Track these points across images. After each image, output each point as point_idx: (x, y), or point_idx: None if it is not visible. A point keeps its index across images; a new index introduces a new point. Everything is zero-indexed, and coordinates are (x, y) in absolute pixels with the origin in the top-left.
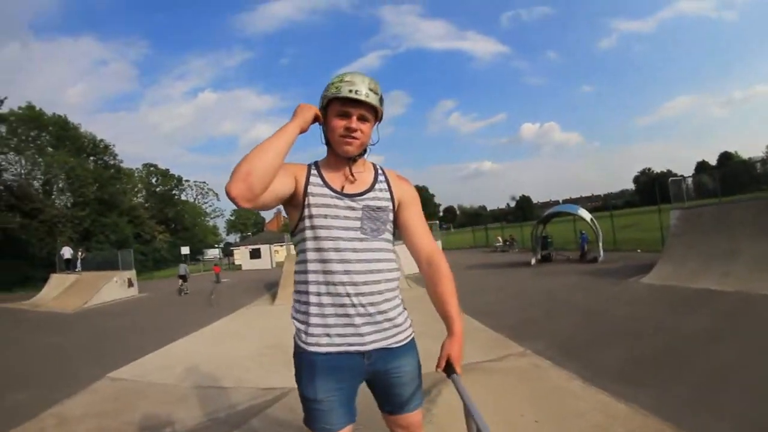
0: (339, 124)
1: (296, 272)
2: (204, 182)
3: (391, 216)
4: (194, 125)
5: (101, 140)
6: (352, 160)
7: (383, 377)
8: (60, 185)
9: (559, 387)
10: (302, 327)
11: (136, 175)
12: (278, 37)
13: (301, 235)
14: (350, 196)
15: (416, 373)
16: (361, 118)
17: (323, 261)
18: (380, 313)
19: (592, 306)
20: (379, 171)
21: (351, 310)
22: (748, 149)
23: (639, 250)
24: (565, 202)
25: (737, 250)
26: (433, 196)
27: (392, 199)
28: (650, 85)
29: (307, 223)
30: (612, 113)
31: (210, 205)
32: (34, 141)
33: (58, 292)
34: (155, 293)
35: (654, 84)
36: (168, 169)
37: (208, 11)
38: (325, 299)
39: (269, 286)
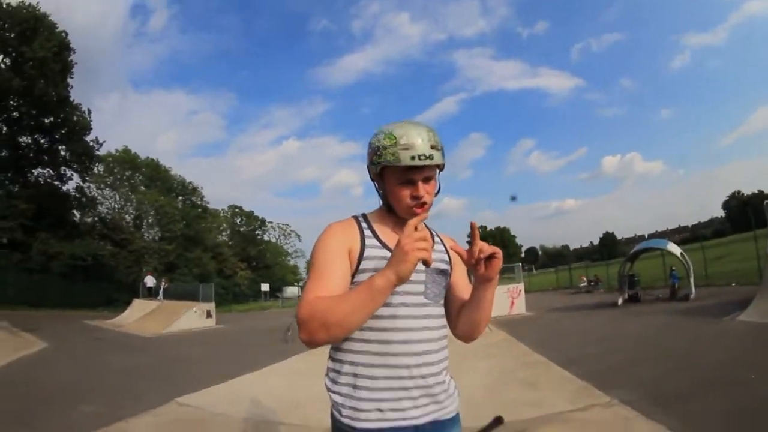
0: (404, 193)
1: (350, 337)
2: (287, 224)
3: (449, 279)
4: (278, 171)
5: (190, 182)
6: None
7: None
8: (149, 220)
9: None
10: (346, 401)
11: (221, 215)
12: (357, 87)
13: None
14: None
15: None
16: (426, 180)
17: (379, 330)
18: (439, 384)
19: (684, 350)
20: (432, 230)
21: (409, 383)
22: None
23: (734, 284)
24: (651, 236)
25: None
26: (514, 237)
27: (450, 261)
28: (729, 99)
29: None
30: (694, 135)
31: (291, 246)
32: (128, 180)
33: (139, 315)
34: (232, 326)
35: (733, 97)
36: (252, 211)
37: (289, 65)
38: (378, 372)
39: None
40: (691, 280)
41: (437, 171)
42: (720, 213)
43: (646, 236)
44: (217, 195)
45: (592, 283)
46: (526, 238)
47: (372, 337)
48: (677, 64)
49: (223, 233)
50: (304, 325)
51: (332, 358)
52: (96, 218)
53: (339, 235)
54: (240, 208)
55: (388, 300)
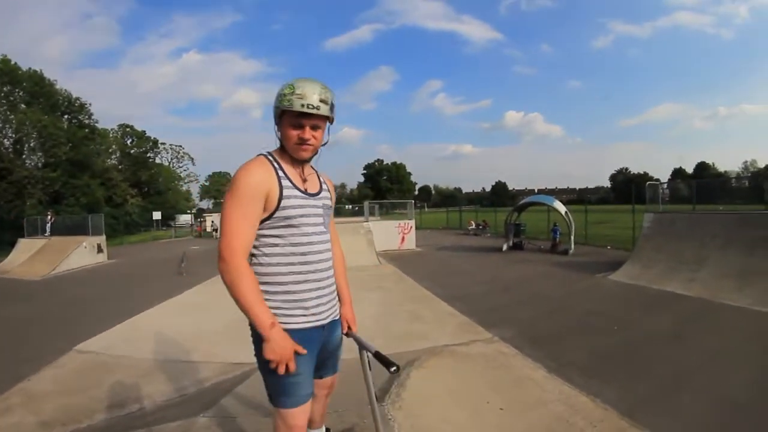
0: (293, 134)
1: (264, 262)
2: (180, 146)
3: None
4: (175, 86)
5: (77, 98)
6: (304, 161)
7: (327, 346)
8: (32, 144)
9: (524, 376)
10: (279, 311)
11: (111, 135)
12: (271, 1)
13: (276, 230)
14: (312, 196)
15: (341, 341)
16: (314, 127)
17: (300, 253)
18: (333, 291)
19: (559, 297)
20: (318, 173)
21: (324, 291)
22: (725, 163)
23: (609, 247)
24: (541, 192)
25: (705, 259)
26: (410, 174)
27: (332, 199)
28: (639, 88)
29: (283, 223)
30: (597, 111)
31: (185, 170)
32: (6, 97)
33: (26, 257)
34: (125, 259)
35: (643, 88)
36: (144, 131)
37: None
38: (303, 286)
39: None
40: (572, 237)
41: (327, 123)
42: (606, 184)
43: (536, 191)
44: (106, 112)
45: (480, 227)
46: (421, 177)
47: (295, 261)
48: (599, 44)
49: (113, 156)
50: (223, 268)
51: (263, 277)
52: None
53: (259, 179)
54: (131, 127)
55: (304, 231)
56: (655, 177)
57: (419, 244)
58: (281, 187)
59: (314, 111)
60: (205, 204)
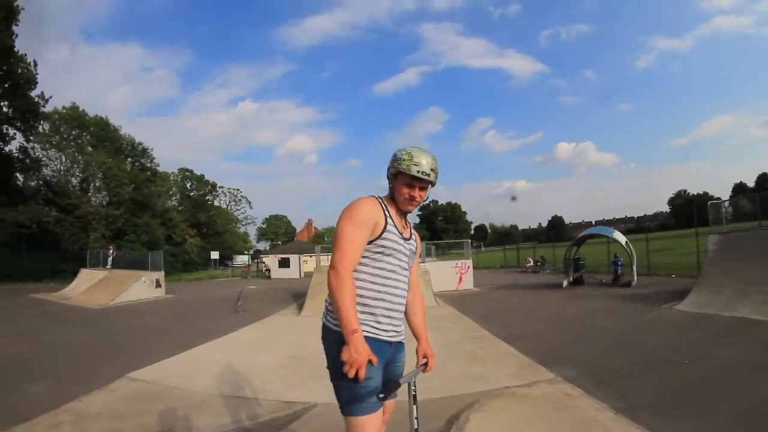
0: (405, 191)
1: (363, 279)
2: (238, 189)
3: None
4: (232, 134)
5: (140, 143)
6: (406, 212)
7: (390, 366)
8: (97, 184)
9: (590, 418)
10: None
11: (171, 178)
12: (320, 50)
13: (372, 253)
14: (405, 240)
15: (403, 368)
16: (421, 189)
17: (383, 277)
18: (402, 319)
19: (624, 332)
20: (411, 225)
21: (395, 314)
22: None
23: (673, 275)
24: (598, 223)
25: None
26: (464, 213)
27: (417, 248)
28: (687, 104)
29: (379, 249)
30: (648, 133)
31: (242, 213)
32: (75, 140)
33: (86, 286)
34: (182, 295)
35: (691, 103)
36: (203, 175)
37: (251, 23)
38: (378, 303)
39: (296, 296)
40: (634, 267)
41: (430, 186)
42: (665, 208)
43: (593, 223)
44: (167, 157)
45: (539, 264)
46: (476, 215)
47: (378, 282)
48: (642, 63)
49: (173, 198)
50: (333, 275)
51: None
52: (41, 182)
53: (372, 211)
54: (191, 171)
55: (392, 261)
56: (716, 196)
57: (477, 283)
58: (386, 223)
59: (426, 177)
60: (262, 245)
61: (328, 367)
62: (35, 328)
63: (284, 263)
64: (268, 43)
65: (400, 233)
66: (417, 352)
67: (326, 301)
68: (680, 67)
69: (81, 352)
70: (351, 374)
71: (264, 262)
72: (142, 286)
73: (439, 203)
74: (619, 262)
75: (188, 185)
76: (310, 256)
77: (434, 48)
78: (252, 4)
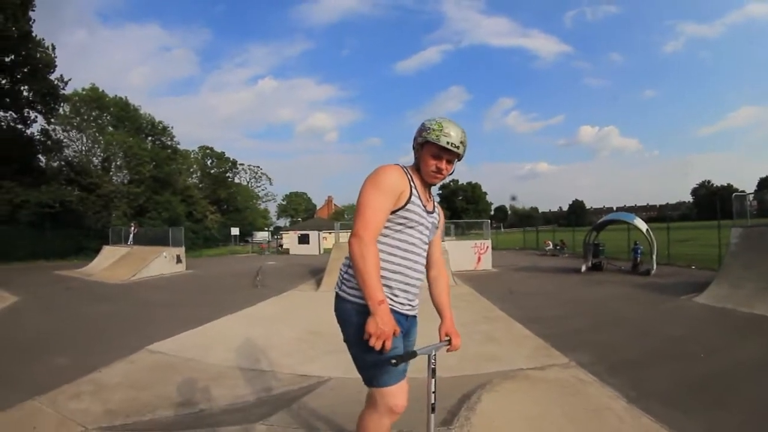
0: (431, 162)
1: (383, 251)
2: (258, 166)
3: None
4: (252, 111)
5: (160, 122)
6: (431, 185)
7: (405, 340)
8: (118, 163)
9: (603, 405)
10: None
11: (192, 156)
12: (340, 27)
13: (394, 224)
14: (428, 213)
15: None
16: (448, 161)
17: (403, 249)
18: (417, 294)
19: (641, 321)
20: (434, 199)
21: (411, 289)
22: None
23: (693, 267)
24: (620, 209)
25: None
26: (485, 194)
27: (440, 222)
28: (715, 93)
29: (402, 220)
30: (674, 121)
31: (263, 189)
32: (95, 120)
33: (109, 263)
34: (202, 270)
35: (719, 92)
36: (224, 152)
37: (270, 1)
38: (395, 276)
39: (315, 272)
40: (654, 256)
41: (456, 160)
42: (688, 198)
43: (615, 209)
44: (187, 135)
45: (558, 247)
46: (496, 196)
47: (398, 254)
48: (669, 48)
49: (193, 175)
50: (355, 242)
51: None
52: (62, 162)
53: (398, 180)
54: (211, 148)
55: (413, 234)
56: (740, 188)
57: (495, 264)
58: (411, 194)
59: (454, 149)
60: (282, 222)
61: (345, 340)
62: (59, 303)
63: (304, 239)
64: (286, 21)
65: (424, 206)
66: (440, 331)
67: (341, 270)
68: (709, 55)
69: (102, 325)
70: (378, 346)
71: (280, 239)
72: (163, 262)
73: (460, 182)
74: (639, 250)
75: (209, 162)
76: (330, 233)
77: (456, 26)
78: None
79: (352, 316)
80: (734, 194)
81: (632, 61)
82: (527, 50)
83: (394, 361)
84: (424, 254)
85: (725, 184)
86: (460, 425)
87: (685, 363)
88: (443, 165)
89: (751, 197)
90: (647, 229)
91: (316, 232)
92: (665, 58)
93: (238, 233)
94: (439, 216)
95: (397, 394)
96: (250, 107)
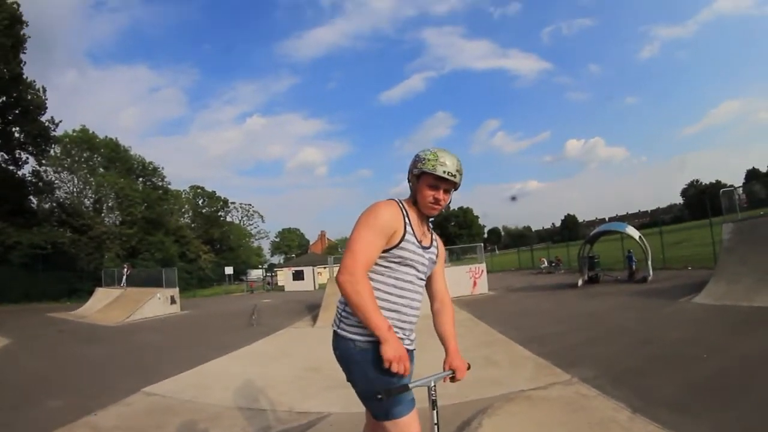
0: (428, 193)
1: (378, 289)
2: (250, 204)
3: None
4: (242, 149)
5: (150, 162)
6: (429, 217)
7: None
8: (109, 204)
9: (607, 418)
10: (365, 331)
11: (183, 196)
12: (324, 62)
13: (387, 262)
14: (425, 249)
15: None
16: (446, 191)
17: (399, 287)
18: (414, 329)
19: (641, 329)
20: (432, 231)
21: (407, 326)
22: None
23: (690, 268)
24: (612, 219)
25: None
26: (477, 217)
27: (439, 255)
28: (695, 92)
29: (396, 259)
30: (657, 124)
31: (255, 227)
32: (86, 162)
33: (102, 305)
34: (197, 311)
35: (698, 90)
36: (215, 191)
37: (255, 39)
38: (389, 314)
39: (311, 308)
40: (649, 262)
41: (453, 189)
42: (679, 200)
43: (607, 219)
44: (178, 175)
45: (553, 264)
46: (489, 219)
47: (392, 291)
48: (646, 54)
49: (185, 215)
50: (347, 279)
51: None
52: (54, 204)
53: (392, 217)
54: (202, 188)
55: (408, 272)
56: (729, 183)
57: (492, 287)
58: (405, 232)
59: (451, 178)
60: (276, 259)
61: (350, 380)
62: (53, 346)
63: (298, 276)
64: (272, 58)
65: (419, 241)
66: (444, 363)
67: (338, 308)
68: (685, 55)
69: (97, 368)
70: (399, 370)
71: (274, 276)
72: (157, 303)
73: (451, 208)
74: (633, 258)
75: (200, 202)
76: (324, 268)
77: (438, 53)
78: (254, 20)
79: (354, 354)
80: (722, 190)
81: (611, 70)
82: (508, 70)
83: (380, 396)
84: (421, 290)
85: (714, 182)
86: None
87: (689, 366)
88: (441, 195)
89: (740, 191)
90: (640, 236)
91: (311, 268)
92: (643, 63)
93: (232, 272)
94: (438, 249)
95: (413, 423)
96: (239, 145)
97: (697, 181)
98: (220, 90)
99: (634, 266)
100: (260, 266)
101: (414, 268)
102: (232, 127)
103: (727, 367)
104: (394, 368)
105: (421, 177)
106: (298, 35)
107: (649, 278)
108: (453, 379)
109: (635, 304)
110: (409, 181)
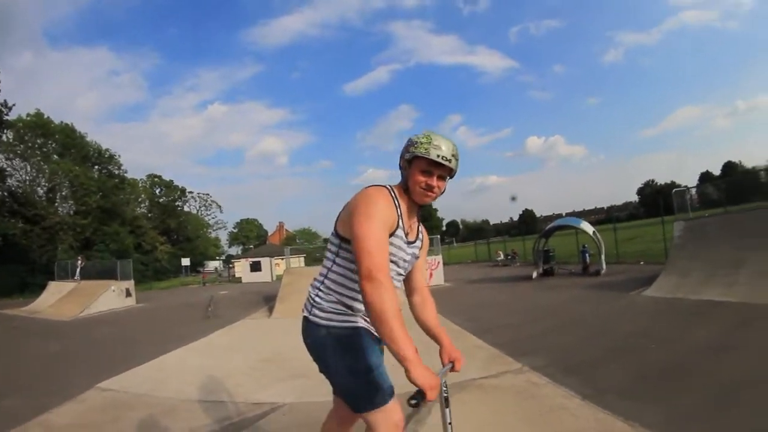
0: (421, 179)
1: (335, 278)
2: (207, 194)
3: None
4: (202, 137)
5: (107, 149)
6: (421, 206)
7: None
8: (64, 193)
9: (558, 405)
10: (347, 319)
11: (140, 185)
12: (290, 51)
13: None
14: (409, 243)
15: None
16: (440, 177)
17: None
18: None
19: (593, 320)
20: (419, 222)
21: None
22: (752, 158)
23: (642, 263)
24: (569, 215)
25: (742, 260)
26: (436, 210)
27: (423, 249)
28: (655, 96)
29: None
30: (617, 125)
31: (213, 217)
32: (40, 148)
33: (55, 299)
34: (153, 303)
35: (659, 95)
36: (172, 181)
37: (221, 25)
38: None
39: (267, 299)
40: (602, 257)
41: (448, 177)
42: (635, 198)
43: (564, 215)
44: (135, 163)
45: (509, 257)
46: (448, 212)
47: (355, 295)
48: (610, 58)
49: (142, 205)
50: (375, 287)
51: (343, 286)
52: (5, 192)
53: (391, 209)
54: (159, 176)
55: (390, 267)
56: (683, 184)
57: (448, 279)
58: (397, 226)
59: (446, 162)
60: (234, 250)
61: (324, 371)
62: (4, 344)
63: (256, 267)
64: (237, 45)
65: (406, 235)
66: (441, 356)
67: (311, 293)
68: (648, 61)
69: (51, 364)
70: (435, 396)
71: (232, 267)
72: (112, 296)
73: None
74: (587, 252)
75: (157, 191)
76: (282, 259)
77: (405, 45)
78: (221, 5)
79: (328, 343)
80: (674, 190)
81: (575, 71)
82: (474, 67)
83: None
84: (400, 287)
85: (669, 182)
86: None
87: (640, 356)
88: (434, 182)
89: (693, 191)
90: (594, 232)
91: (268, 259)
92: (607, 66)
93: (189, 264)
94: (422, 242)
95: (397, 409)
96: (199, 133)
97: (653, 181)
98: (183, 76)
99: (587, 260)
100: (217, 257)
101: (396, 264)
102: (192, 115)
103: (675, 356)
104: (433, 395)
105: (413, 162)
106: (265, 22)
107: (603, 271)
108: (452, 370)
109: (588, 297)
110: (400, 168)
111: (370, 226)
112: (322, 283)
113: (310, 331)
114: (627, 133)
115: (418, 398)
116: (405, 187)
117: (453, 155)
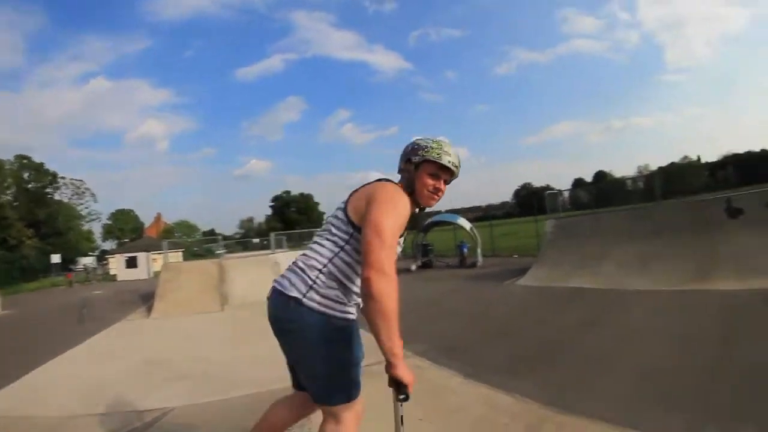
0: (430, 182)
1: (340, 264)
2: (81, 180)
3: None
4: (79, 115)
5: None
6: (424, 207)
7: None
8: None
9: (440, 385)
10: (336, 306)
11: (6, 167)
12: (186, 27)
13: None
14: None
15: None
16: (445, 182)
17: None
18: None
19: (471, 308)
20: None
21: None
22: (621, 170)
23: (516, 256)
24: (448, 212)
25: (607, 254)
26: (317, 204)
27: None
28: (540, 108)
29: None
30: (502, 131)
31: (86, 207)
32: None
33: None
34: (21, 309)
35: (543, 108)
36: (43, 163)
37: None
38: (351, 298)
39: (145, 298)
40: (479, 250)
41: (447, 183)
42: (512, 199)
43: (443, 211)
44: (2, 141)
45: None
46: (330, 206)
47: (354, 286)
48: (503, 70)
49: (8, 191)
50: (384, 280)
51: (331, 277)
52: None
53: (405, 214)
54: (29, 158)
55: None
56: (557, 188)
57: None
58: (405, 228)
59: (455, 169)
60: (109, 245)
61: (300, 358)
62: None
63: (132, 263)
64: (134, 13)
65: (403, 234)
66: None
67: (309, 275)
68: (537, 76)
69: None
70: (411, 390)
71: (107, 262)
72: None
73: (292, 193)
74: (465, 246)
75: (26, 176)
76: (160, 254)
77: (304, 36)
78: None
79: (323, 331)
80: (547, 192)
81: (467, 78)
82: (369, 64)
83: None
84: None
85: (544, 185)
86: (299, 425)
87: (515, 338)
88: (441, 185)
89: (565, 194)
90: (471, 227)
91: (145, 254)
92: (499, 77)
93: (59, 261)
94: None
95: (361, 402)
96: (77, 110)
97: (529, 183)
98: (67, 42)
99: (465, 253)
100: (91, 253)
101: None
102: (72, 88)
103: (549, 335)
104: (411, 390)
105: (422, 165)
106: None
107: (479, 264)
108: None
109: (465, 287)
110: (402, 170)
111: (393, 221)
112: (325, 266)
113: (301, 314)
114: (510, 139)
115: (407, 393)
116: (410, 189)
117: (459, 163)
